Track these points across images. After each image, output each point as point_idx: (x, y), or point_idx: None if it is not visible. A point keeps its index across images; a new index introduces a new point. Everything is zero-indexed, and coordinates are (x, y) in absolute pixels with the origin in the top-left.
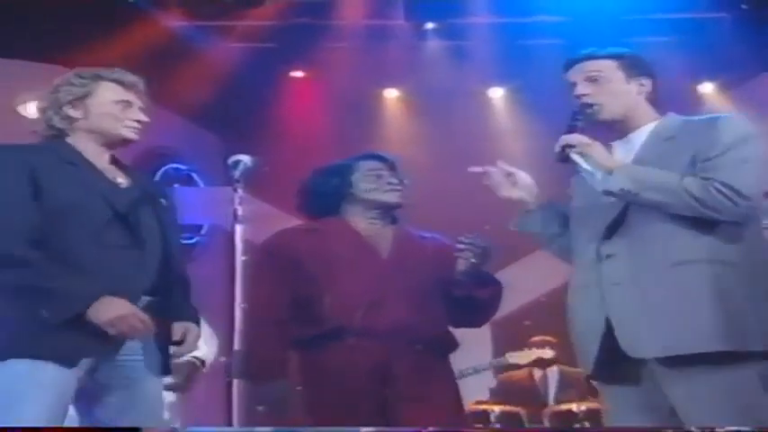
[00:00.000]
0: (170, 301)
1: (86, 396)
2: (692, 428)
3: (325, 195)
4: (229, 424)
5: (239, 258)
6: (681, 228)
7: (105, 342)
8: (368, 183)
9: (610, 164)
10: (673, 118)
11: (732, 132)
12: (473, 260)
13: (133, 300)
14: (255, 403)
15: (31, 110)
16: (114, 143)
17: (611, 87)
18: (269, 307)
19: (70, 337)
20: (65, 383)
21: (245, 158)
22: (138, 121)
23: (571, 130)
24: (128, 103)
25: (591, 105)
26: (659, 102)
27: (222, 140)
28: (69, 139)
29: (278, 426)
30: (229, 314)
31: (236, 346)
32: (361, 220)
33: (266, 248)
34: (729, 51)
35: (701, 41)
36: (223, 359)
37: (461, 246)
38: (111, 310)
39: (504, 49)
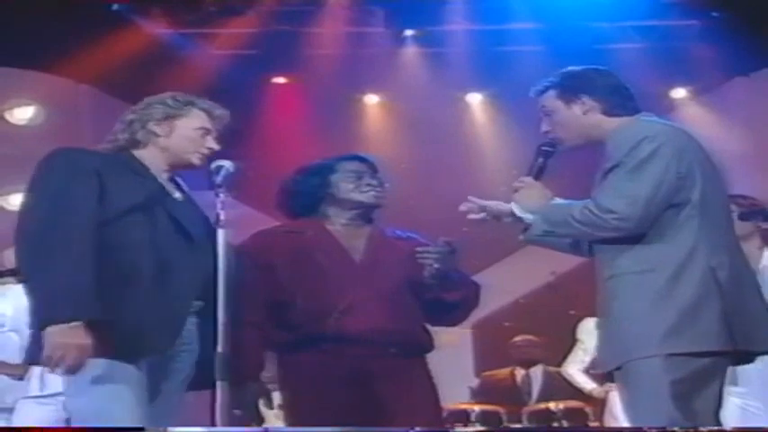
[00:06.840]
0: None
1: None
2: (675, 428)
3: (304, 195)
4: (212, 424)
5: (221, 262)
6: (611, 245)
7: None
8: (347, 183)
9: (533, 208)
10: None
11: (619, 146)
12: (436, 266)
13: (186, 300)
14: (231, 406)
15: (16, 116)
16: (180, 165)
17: (558, 118)
18: (243, 309)
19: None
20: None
21: (227, 164)
22: (210, 149)
23: (532, 168)
24: (207, 131)
25: (554, 139)
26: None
27: None
28: (137, 152)
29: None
30: (212, 317)
31: (220, 348)
32: (337, 222)
33: (241, 250)
34: (701, 57)
35: (674, 48)
36: None
37: (418, 256)
38: (64, 335)
39: (482, 56)
